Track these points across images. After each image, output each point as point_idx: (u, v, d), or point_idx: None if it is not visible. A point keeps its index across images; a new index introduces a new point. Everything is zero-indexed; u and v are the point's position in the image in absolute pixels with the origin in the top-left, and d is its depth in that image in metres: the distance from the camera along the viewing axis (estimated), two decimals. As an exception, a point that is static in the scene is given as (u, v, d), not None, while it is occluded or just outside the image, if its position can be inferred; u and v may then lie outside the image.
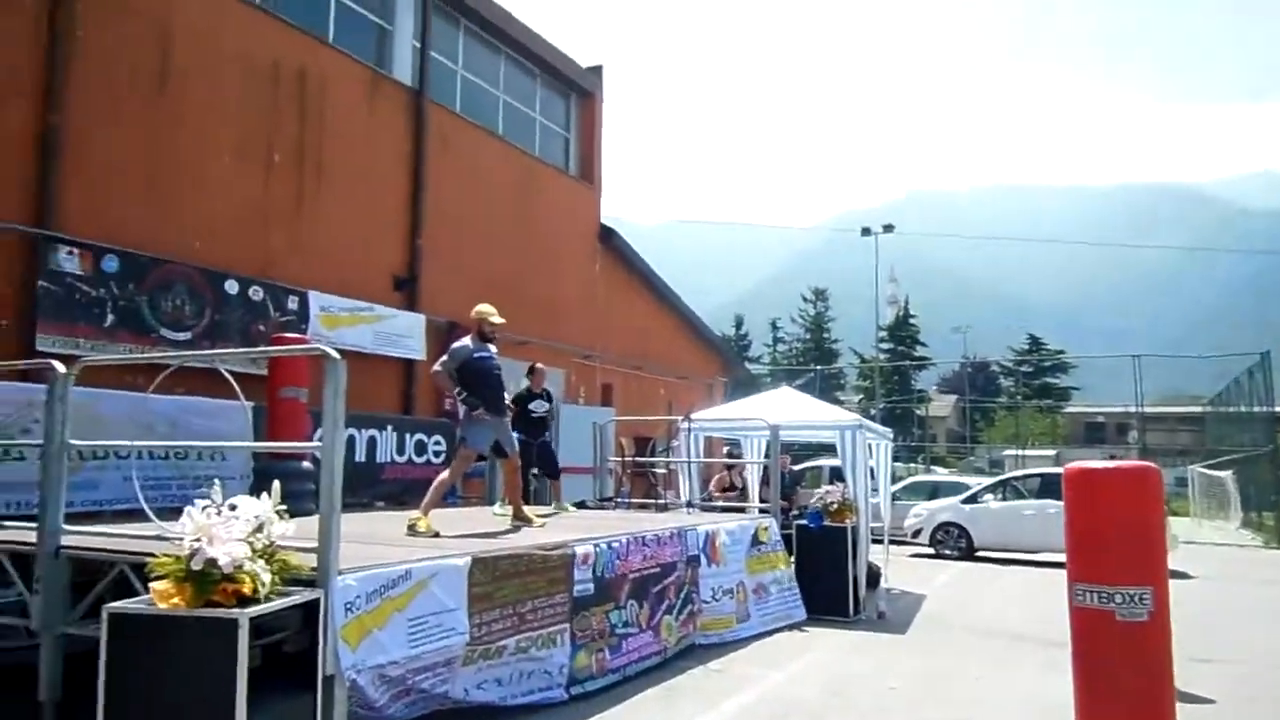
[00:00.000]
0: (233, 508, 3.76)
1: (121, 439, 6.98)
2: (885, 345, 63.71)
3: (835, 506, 9.45)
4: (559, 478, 9.46)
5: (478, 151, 14.51)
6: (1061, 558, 16.23)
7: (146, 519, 5.16)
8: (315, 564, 4.10)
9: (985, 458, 51.02)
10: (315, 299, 10.89)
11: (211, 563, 3.51)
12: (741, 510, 10.45)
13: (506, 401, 7.49)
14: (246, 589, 3.56)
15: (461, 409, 7.10)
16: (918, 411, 62.27)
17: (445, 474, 7.00)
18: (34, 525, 5.09)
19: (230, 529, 3.62)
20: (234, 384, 5.16)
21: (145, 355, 8.20)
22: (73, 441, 5.10)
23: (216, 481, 3.99)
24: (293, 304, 10.60)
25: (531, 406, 8.94)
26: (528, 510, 7.68)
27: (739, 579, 8.15)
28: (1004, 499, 16.34)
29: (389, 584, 4.47)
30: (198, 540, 3.55)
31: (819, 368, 57.93)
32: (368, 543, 5.46)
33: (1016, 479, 17.25)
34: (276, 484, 3.99)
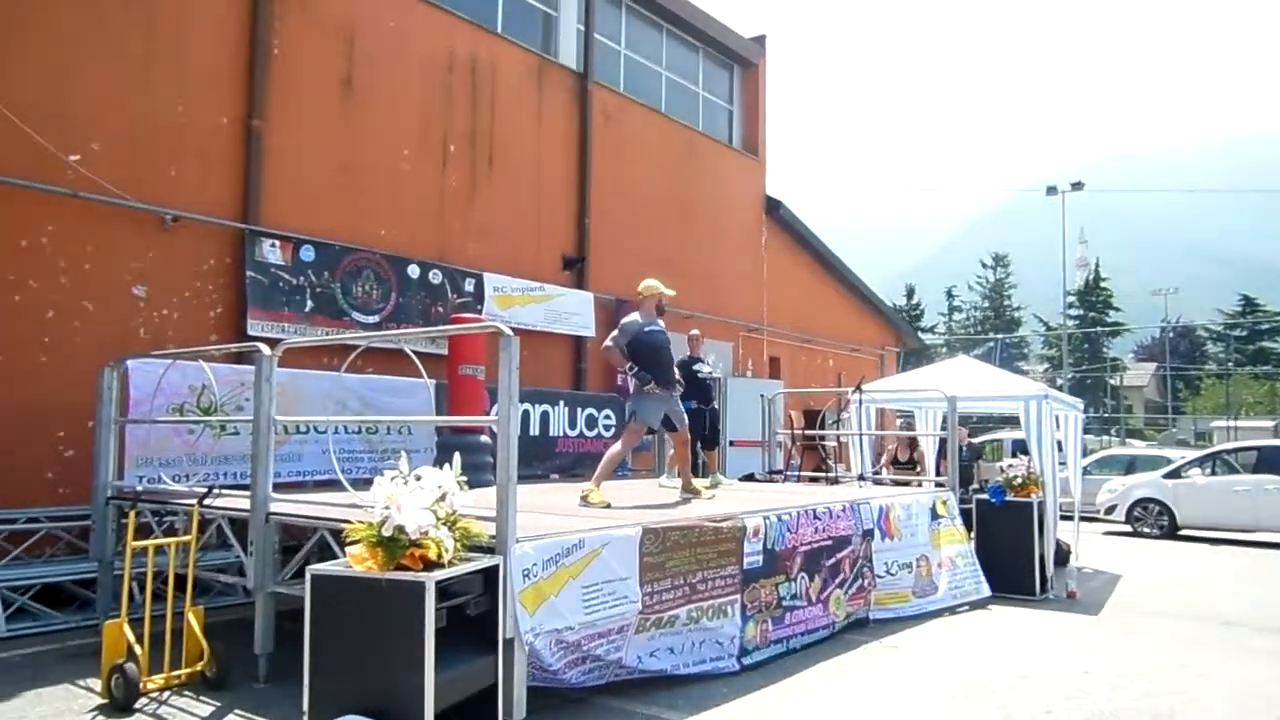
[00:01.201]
0: (418, 478, 3.98)
1: (320, 415, 7.54)
2: (1073, 311, 59.92)
3: (1019, 481, 9.01)
4: (716, 448, 9.45)
5: (642, 129, 14.61)
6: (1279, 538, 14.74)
7: (344, 488, 5.56)
8: (494, 532, 4.29)
9: (1190, 429, 47.11)
10: (490, 280, 11.33)
11: (400, 529, 3.74)
12: (915, 484, 10.12)
13: (675, 374, 7.55)
14: (432, 554, 3.77)
15: (632, 383, 7.21)
16: (1110, 381, 58.29)
17: (616, 447, 7.14)
18: (247, 494, 5.58)
19: (416, 498, 3.83)
20: (417, 363, 5.48)
21: (338, 337, 8.77)
22: (277, 417, 5.54)
23: (404, 453, 4.24)
24: (469, 286, 11.07)
25: (696, 368, 8.98)
26: (696, 483, 7.74)
27: (921, 553, 7.92)
28: (1213, 474, 15.04)
29: (564, 552, 4.62)
30: (387, 508, 3.78)
31: (1000, 336, 55.17)
32: (542, 513, 5.65)
33: (1228, 452, 15.82)
34: (457, 455, 4.20)
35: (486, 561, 4.11)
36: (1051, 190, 31.93)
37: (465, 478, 4.16)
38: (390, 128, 10.50)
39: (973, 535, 9.04)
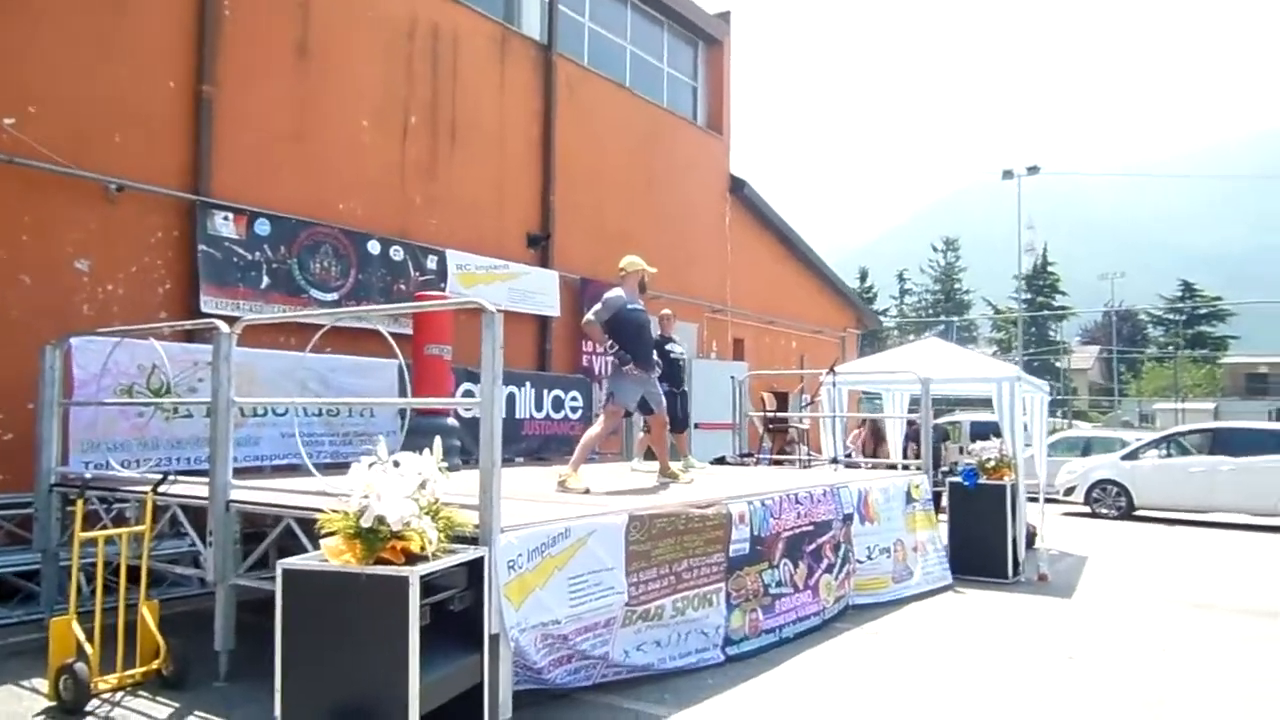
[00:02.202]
0: (396, 464, 3.70)
1: (277, 396, 7.18)
2: (1023, 296, 61.02)
3: (992, 463, 8.95)
4: (685, 431, 9.24)
5: (606, 104, 14.27)
6: (1234, 518, 15.10)
7: (305, 473, 5.25)
8: (477, 521, 4.03)
9: (1134, 411, 48.22)
10: (453, 257, 10.95)
11: (380, 520, 3.46)
12: (892, 467, 10.05)
13: (654, 355, 7.30)
14: (415, 546, 3.50)
15: (610, 363, 6.95)
16: (1057, 364, 59.39)
17: (595, 429, 6.88)
18: (203, 480, 5.24)
19: (397, 486, 3.55)
20: (391, 342, 5.16)
21: (302, 314, 8.34)
22: (236, 399, 5.20)
23: (381, 438, 3.96)
24: (431, 263, 10.69)
25: (668, 349, 8.71)
26: (673, 467, 7.53)
27: (897, 537, 7.82)
28: (1168, 455, 15.26)
29: (549, 542, 4.38)
30: (366, 497, 3.49)
31: (953, 319, 55.79)
32: (521, 500, 5.39)
33: (1183, 434, 16.07)
34: (438, 440, 3.92)
35: (471, 553, 3.85)
36: (1008, 174, 32.20)
37: (446, 463, 3.89)
38: (348, 96, 10.05)
39: (941, 518, 8.99)
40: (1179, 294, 65.25)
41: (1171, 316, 64.19)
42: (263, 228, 8.95)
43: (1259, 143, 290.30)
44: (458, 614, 3.84)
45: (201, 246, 8.42)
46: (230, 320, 5.42)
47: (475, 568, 3.89)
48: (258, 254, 8.87)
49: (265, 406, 7.35)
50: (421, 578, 3.42)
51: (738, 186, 17.51)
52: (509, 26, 12.56)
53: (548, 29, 13.09)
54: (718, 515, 5.61)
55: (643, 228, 14.41)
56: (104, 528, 5.39)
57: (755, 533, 5.92)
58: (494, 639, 3.97)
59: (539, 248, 12.57)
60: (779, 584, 6.15)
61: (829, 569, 6.72)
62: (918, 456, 10.19)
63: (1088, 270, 73.02)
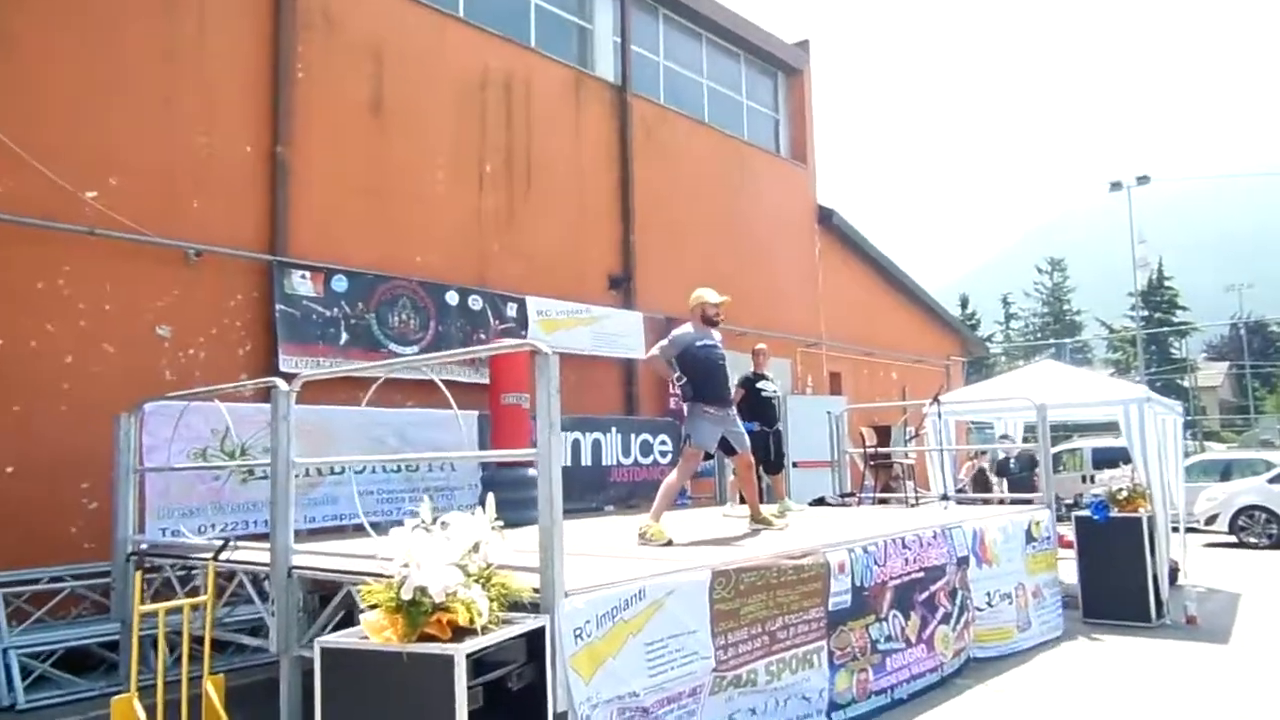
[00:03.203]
0: (444, 526, 3.35)
1: (354, 453, 6.98)
2: (1139, 313, 57.90)
3: (1124, 494, 8.10)
4: (780, 471, 8.68)
5: (685, 141, 14.01)
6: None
7: (382, 532, 4.95)
8: (538, 585, 3.63)
9: (1274, 429, 44.82)
10: (533, 304, 10.75)
11: (422, 590, 3.09)
12: (1006, 502, 9.26)
13: (731, 392, 6.83)
14: (462, 619, 3.11)
15: (685, 405, 6.53)
16: (1182, 382, 55.96)
17: (673, 475, 6.42)
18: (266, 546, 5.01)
19: (440, 552, 3.18)
20: (447, 393, 4.88)
21: (359, 368, 8.13)
22: (297, 459, 4.96)
23: (425, 497, 3.61)
24: (511, 310, 10.50)
25: (760, 386, 8.23)
26: (765, 510, 7.00)
27: (1018, 580, 7.07)
28: (1323, 476, 13.84)
29: (622, 605, 3.94)
30: (406, 565, 3.14)
31: (1065, 341, 53.29)
32: (595, 555, 4.99)
33: (1336, 452, 14.60)
34: (491, 498, 3.55)
35: (530, 623, 3.44)
36: (1116, 186, 30.56)
37: (501, 522, 3.51)
38: (422, 149, 10.02)
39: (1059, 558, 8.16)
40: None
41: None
42: (340, 284, 8.90)
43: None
44: (518, 692, 3.43)
45: (279, 306, 8.40)
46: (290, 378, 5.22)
47: (536, 639, 3.48)
48: (335, 310, 8.80)
49: (340, 465, 7.16)
50: (469, 655, 3.03)
51: (826, 216, 16.96)
52: (582, 70, 12.45)
53: (621, 70, 12.94)
54: (814, 565, 5.07)
55: (728, 263, 13.97)
56: (178, 596, 5.22)
57: (858, 583, 5.34)
58: (560, 717, 3.55)
59: (621, 289, 12.28)
60: (888, 639, 5.54)
61: (945, 619, 6.06)
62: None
63: (1209, 283, 69.01)
